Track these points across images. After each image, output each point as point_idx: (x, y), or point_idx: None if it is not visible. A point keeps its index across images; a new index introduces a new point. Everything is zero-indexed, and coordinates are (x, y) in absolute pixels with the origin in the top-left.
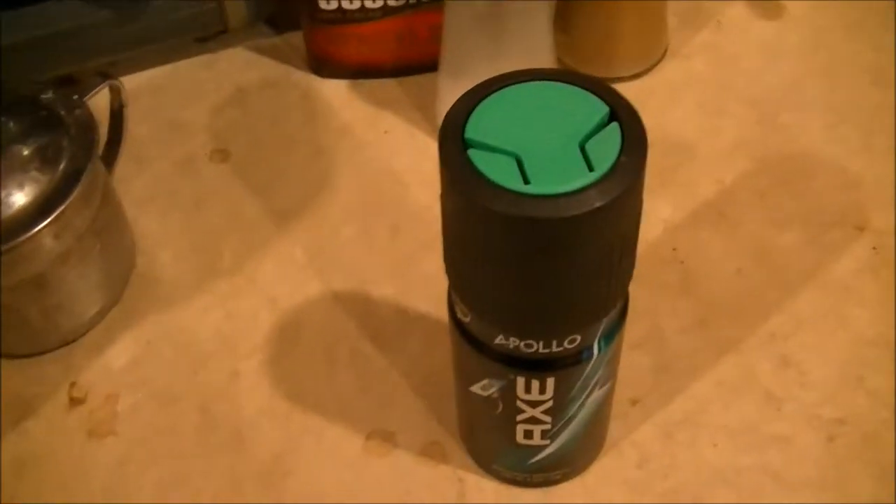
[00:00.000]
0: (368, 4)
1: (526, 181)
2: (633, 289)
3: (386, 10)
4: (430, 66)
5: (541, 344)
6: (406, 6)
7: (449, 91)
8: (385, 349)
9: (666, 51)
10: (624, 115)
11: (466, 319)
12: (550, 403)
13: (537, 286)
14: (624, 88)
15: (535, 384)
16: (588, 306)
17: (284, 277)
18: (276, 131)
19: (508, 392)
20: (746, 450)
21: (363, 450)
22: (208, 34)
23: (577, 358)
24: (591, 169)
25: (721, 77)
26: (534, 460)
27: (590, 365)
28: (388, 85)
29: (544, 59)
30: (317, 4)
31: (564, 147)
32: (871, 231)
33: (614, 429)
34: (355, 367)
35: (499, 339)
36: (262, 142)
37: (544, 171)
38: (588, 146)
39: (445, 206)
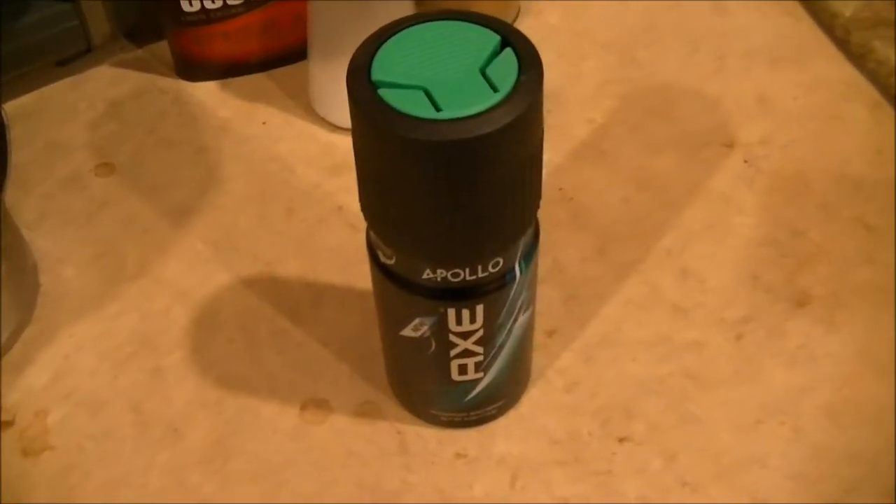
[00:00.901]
0: (231, 1)
1: (437, 109)
2: None
3: (248, 5)
4: (296, 54)
5: (467, 271)
6: None
7: (321, 73)
8: (302, 323)
9: (518, 11)
10: (516, 41)
11: (391, 262)
12: (481, 332)
13: (458, 212)
14: None
15: (466, 314)
16: (507, 227)
17: (191, 272)
18: (154, 138)
19: (440, 327)
20: (664, 359)
21: (300, 420)
22: (71, 54)
23: (502, 281)
24: (495, 91)
25: (576, 26)
26: (470, 397)
27: (514, 287)
28: (257, 79)
29: None
30: (180, 8)
31: (467, 75)
32: (740, 146)
33: (537, 360)
34: (277, 345)
35: (426, 274)
36: (143, 150)
37: (453, 98)
38: (488, 71)
39: (361, 150)
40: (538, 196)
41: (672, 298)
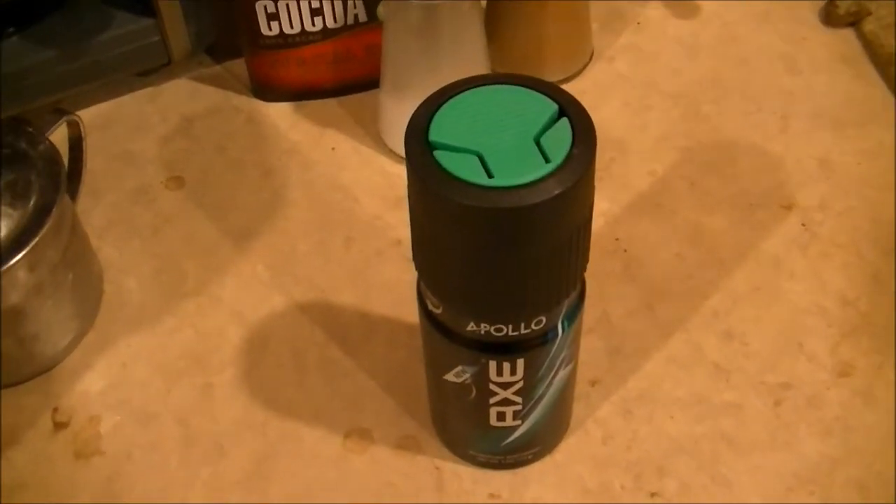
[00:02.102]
0: (308, 28)
1: (490, 175)
2: None
3: (325, 33)
4: (367, 83)
5: (510, 328)
6: (344, 27)
7: (391, 105)
8: (351, 353)
9: (592, 54)
10: (572, 111)
11: (438, 311)
12: (521, 384)
13: (504, 274)
14: None
15: (507, 366)
16: (551, 289)
17: (248, 293)
18: (225, 156)
19: (481, 376)
20: (700, 419)
21: (342, 448)
22: (153, 67)
23: (544, 339)
24: (547, 161)
25: (644, 75)
26: (507, 442)
27: (555, 344)
28: (329, 105)
29: (479, 68)
30: (259, 31)
31: (521, 143)
32: (798, 208)
33: (578, 409)
34: (325, 372)
35: (470, 327)
36: (212, 167)
37: (505, 165)
38: (542, 141)
39: (415, 206)
40: (585, 260)
41: (714, 359)
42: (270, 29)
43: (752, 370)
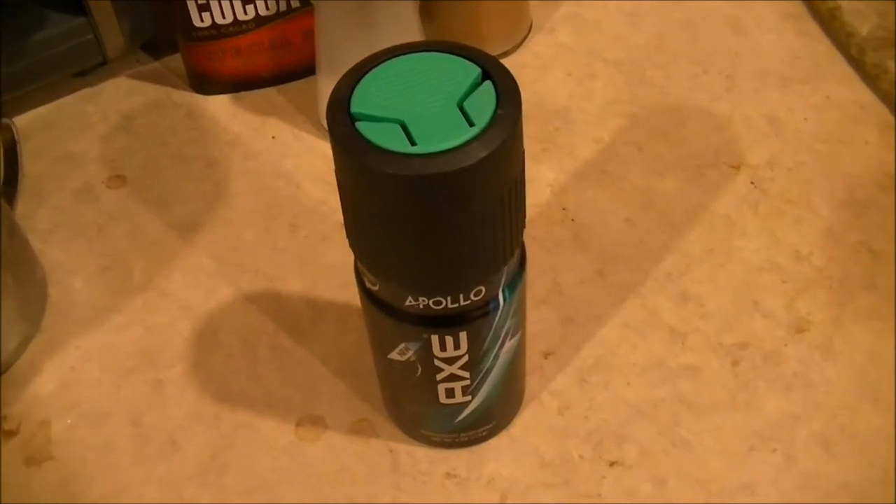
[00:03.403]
0: (241, 17)
1: (413, 143)
2: (531, 250)
3: (259, 21)
4: (306, 70)
5: (448, 300)
6: (278, 14)
7: (328, 88)
8: (301, 340)
9: (531, 27)
10: (495, 73)
11: (375, 288)
12: (466, 358)
13: (438, 243)
14: None
15: (449, 340)
16: (488, 257)
17: (196, 286)
18: (166, 151)
19: (425, 353)
20: (658, 384)
21: (295, 436)
22: (89, 67)
23: (485, 309)
24: (471, 124)
25: (586, 44)
26: (459, 419)
27: (498, 315)
28: (268, 94)
29: None
30: (191, 23)
31: (444, 109)
32: (747, 167)
33: (532, 382)
34: (276, 361)
35: (408, 302)
36: (154, 163)
37: (428, 132)
38: (466, 105)
39: (341, 180)
40: (521, 226)
41: (669, 322)
42: (202, 20)
43: (709, 331)
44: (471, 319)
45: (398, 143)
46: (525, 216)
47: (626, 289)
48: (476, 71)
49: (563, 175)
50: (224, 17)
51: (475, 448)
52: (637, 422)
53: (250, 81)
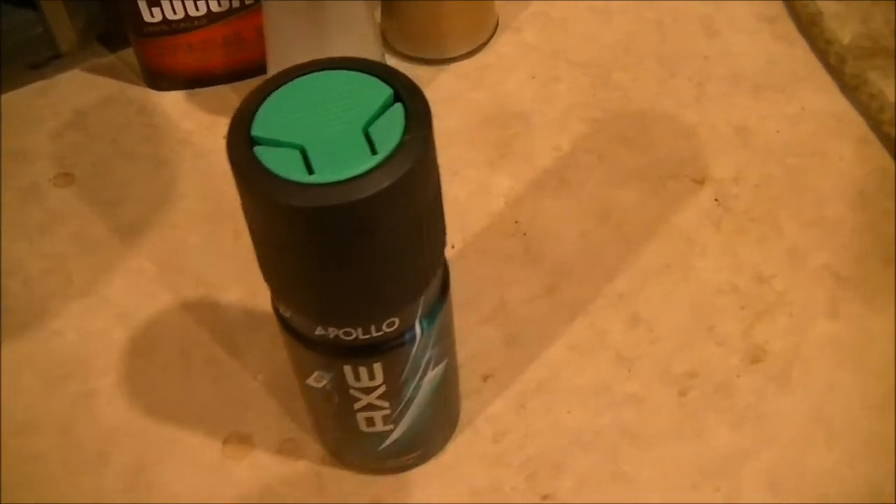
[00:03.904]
0: (192, 13)
1: (311, 171)
2: (478, 264)
3: (210, 17)
4: (261, 68)
5: (359, 331)
6: (230, 11)
7: None
8: (236, 352)
9: (497, 26)
10: (406, 95)
11: (287, 315)
12: (383, 388)
13: (342, 274)
14: (459, 67)
15: (363, 371)
16: (399, 287)
17: (135, 292)
18: (116, 149)
19: (339, 382)
20: (601, 412)
21: (221, 454)
22: (41, 60)
23: (400, 341)
24: (374, 152)
25: (552, 45)
26: (383, 446)
27: (415, 346)
28: (222, 92)
29: (370, 47)
30: (141, 19)
31: (348, 133)
32: (711, 181)
33: (468, 406)
34: (209, 373)
35: (318, 331)
36: (104, 161)
37: (329, 159)
38: (371, 130)
39: (243, 205)
40: (438, 254)
41: (617, 346)
42: (153, 15)
43: (658, 357)
44: (385, 350)
45: (296, 171)
46: (444, 242)
47: (575, 308)
48: (387, 92)
49: (518, 184)
50: (175, 13)
51: (403, 475)
52: (575, 452)
53: (204, 78)
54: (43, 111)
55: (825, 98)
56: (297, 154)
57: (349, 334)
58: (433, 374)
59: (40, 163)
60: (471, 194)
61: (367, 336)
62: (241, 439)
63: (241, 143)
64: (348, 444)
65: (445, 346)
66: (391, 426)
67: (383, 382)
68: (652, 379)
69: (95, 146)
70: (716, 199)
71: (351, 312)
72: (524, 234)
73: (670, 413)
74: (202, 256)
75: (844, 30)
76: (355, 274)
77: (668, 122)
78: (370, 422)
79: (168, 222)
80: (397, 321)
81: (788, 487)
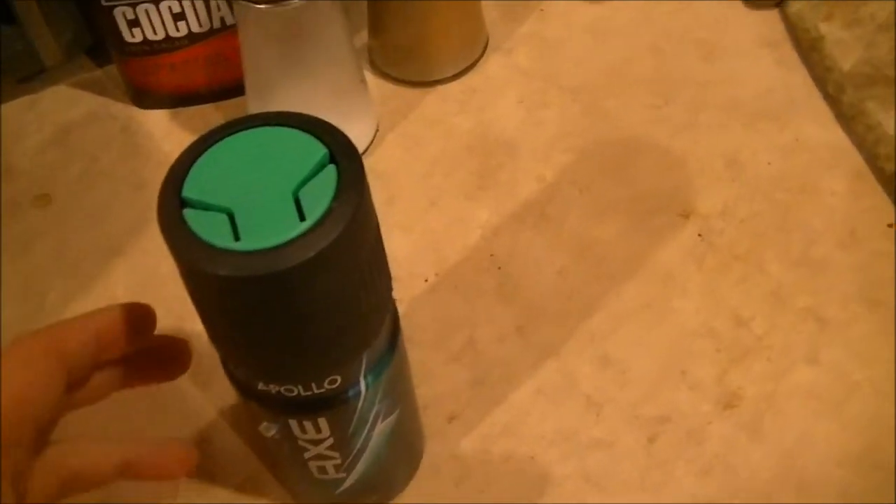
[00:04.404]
0: (173, 34)
1: (237, 237)
2: (451, 299)
3: (192, 38)
4: (243, 86)
5: (300, 388)
6: (211, 31)
7: (258, 109)
8: (203, 386)
9: (486, 46)
10: (341, 156)
11: (231, 366)
12: (331, 441)
13: (274, 337)
14: (444, 90)
15: (308, 425)
16: (336, 348)
17: None
18: (98, 168)
19: (287, 433)
20: (565, 458)
21: (180, 490)
22: (27, 74)
23: (344, 397)
24: (302, 218)
25: (544, 68)
26: (340, 491)
27: (360, 401)
28: (206, 111)
29: (347, 68)
30: (122, 38)
31: (278, 197)
32: (697, 216)
33: (433, 446)
34: (175, 407)
35: (260, 386)
36: (85, 179)
37: (256, 225)
38: (302, 194)
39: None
40: (379, 311)
41: (586, 390)
42: (133, 36)
43: (627, 402)
44: (329, 406)
45: (222, 237)
46: (388, 298)
47: (545, 349)
48: (321, 152)
49: (497, 216)
50: (156, 34)
51: None
52: (537, 500)
53: (188, 97)
54: (29, 126)
55: (821, 128)
56: (224, 218)
57: (290, 391)
58: (384, 426)
59: (23, 179)
60: (448, 226)
61: (309, 393)
62: (201, 475)
63: (171, 205)
64: (305, 488)
65: (396, 397)
66: (343, 474)
67: (330, 435)
68: (620, 424)
69: (77, 164)
70: (699, 235)
71: (288, 372)
72: (499, 269)
73: (637, 460)
74: (173, 285)
75: (846, 57)
76: (287, 336)
77: (657, 153)
78: (322, 470)
79: (143, 249)
80: (339, 379)
81: None
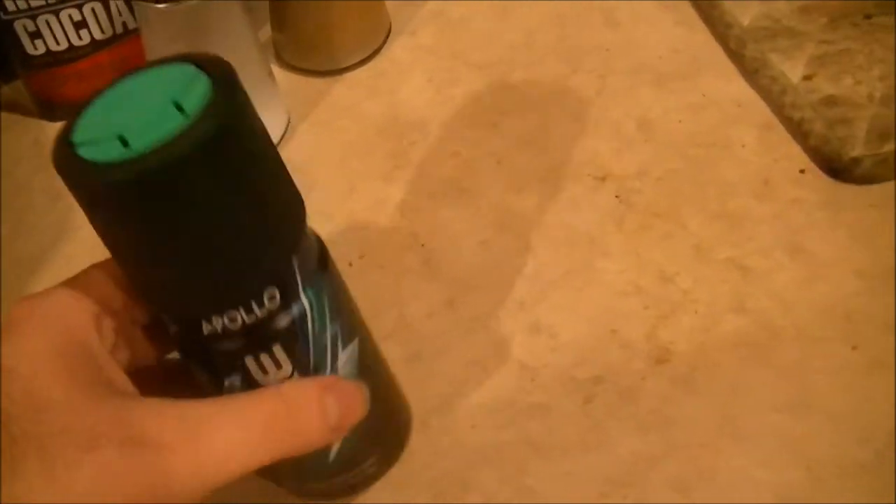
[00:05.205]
0: (76, 42)
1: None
2: (378, 280)
3: (95, 45)
4: None
5: (242, 312)
6: (114, 37)
7: None
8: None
9: (389, 30)
10: (209, 66)
11: (174, 330)
12: (296, 375)
13: (197, 246)
14: (353, 77)
15: (267, 360)
16: (258, 250)
17: None
18: (12, 181)
19: (250, 381)
20: (505, 425)
21: None
22: None
23: (289, 316)
24: (186, 117)
25: (450, 46)
26: (332, 459)
27: (309, 322)
28: None
29: (253, 62)
30: (25, 52)
31: (159, 111)
32: (613, 178)
33: None
34: None
35: (207, 330)
36: None
37: (143, 135)
38: (182, 101)
39: (86, 214)
40: (294, 214)
41: (519, 357)
42: (36, 48)
43: (561, 366)
44: (278, 331)
45: (115, 154)
46: (299, 205)
47: (476, 320)
48: (191, 69)
49: (414, 196)
50: (58, 44)
51: None
52: (481, 468)
53: None
54: None
55: (726, 83)
56: (116, 142)
57: (234, 320)
58: (347, 356)
59: None
60: (368, 209)
61: (253, 317)
62: None
63: (63, 151)
64: (298, 469)
65: (351, 323)
66: None
67: (293, 369)
68: (556, 388)
69: None
70: (617, 196)
71: (223, 289)
72: (422, 246)
73: (575, 422)
74: None
75: (745, 12)
76: (203, 240)
77: (569, 120)
78: None
79: (65, 255)
80: (277, 293)
81: (699, 493)
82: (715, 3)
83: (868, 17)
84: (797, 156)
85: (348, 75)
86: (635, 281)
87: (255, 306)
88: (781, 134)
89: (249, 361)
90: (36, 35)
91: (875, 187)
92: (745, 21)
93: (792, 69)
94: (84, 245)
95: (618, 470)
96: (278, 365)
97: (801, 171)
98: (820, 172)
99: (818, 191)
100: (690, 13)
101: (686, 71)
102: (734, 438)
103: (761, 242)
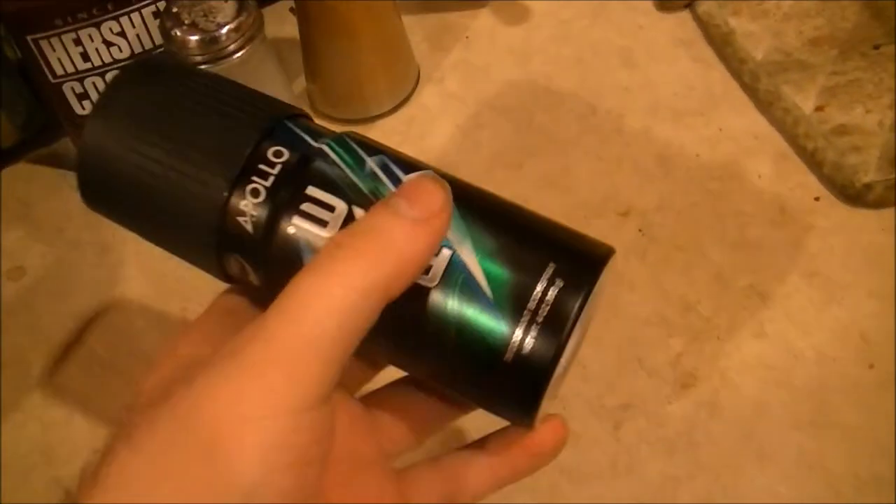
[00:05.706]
0: None
1: None
2: None
3: None
4: None
5: (258, 180)
6: None
7: None
8: None
9: (419, 78)
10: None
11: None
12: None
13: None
14: (384, 123)
15: (313, 208)
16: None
17: (90, 377)
18: (63, 238)
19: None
20: None
21: None
22: None
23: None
24: None
25: (475, 92)
26: None
27: (334, 156)
28: None
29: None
30: (73, 112)
31: None
32: (635, 214)
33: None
34: None
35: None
36: (51, 251)
37: None
38: None
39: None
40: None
41: None
42: (84, 108)
43: (591, 394)
44: (310, 172)
45: None
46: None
47: None
48: None
49: None
50: None
51: None
52: (515, 495)
53: None
54: None
55: (741, 117)
56: None
57: (256, 195)
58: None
59: None
60: None
61: (272, 178)
62: None
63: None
64: None
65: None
66: None
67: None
68: (586, 415)
69: (42, 237)
70: (640, 230)
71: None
72: None
73: (605, 448)
74: (151, 337)
75: (757, 47)
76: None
77: (591, 160)
78: None
79: (116, 307)
80: (285, 150)
81: None
82: (728, 39)
83: (876, 47)
84: (812, 184)
85: (381, 122)
86: (660, 311)
87: (266, 167)
88: (796, 163)
89: (306, 209)
90: (83, 96)
91: (886, 211)
92: (759, 56)
93: (804, 100)
94: (133, 295)
95: (647, 491)
96: (330, 208)
97: (816, 199)
98: (834, 199)
99: (832, 217)
100: (705, 50)
101: (702, 106)
102: (757, 457)
103: (779, 268)
